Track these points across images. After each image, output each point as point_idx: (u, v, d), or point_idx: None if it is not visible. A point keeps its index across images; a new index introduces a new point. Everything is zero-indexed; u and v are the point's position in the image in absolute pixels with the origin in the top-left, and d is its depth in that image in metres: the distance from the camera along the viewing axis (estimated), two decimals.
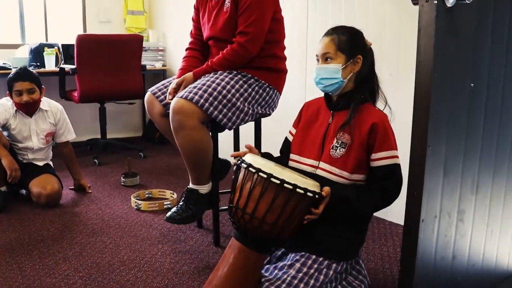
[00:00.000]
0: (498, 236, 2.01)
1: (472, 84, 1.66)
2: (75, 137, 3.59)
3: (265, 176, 1.74)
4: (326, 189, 1.81)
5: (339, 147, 1.92)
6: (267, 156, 2.08)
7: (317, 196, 1.77)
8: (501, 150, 1.89)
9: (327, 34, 1.96)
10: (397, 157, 1.89)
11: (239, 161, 1.86)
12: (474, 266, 1.93)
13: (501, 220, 1.99)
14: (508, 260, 2.13)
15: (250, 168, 1.77)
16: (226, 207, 2.88)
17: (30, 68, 4.42)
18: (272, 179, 1.73)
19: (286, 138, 2.17)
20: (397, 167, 1.88)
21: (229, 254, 1.86)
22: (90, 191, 3.54)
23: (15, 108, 3.27)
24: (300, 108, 2.15)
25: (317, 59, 1.99)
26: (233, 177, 1.91)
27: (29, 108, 3.27)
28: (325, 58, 1.94)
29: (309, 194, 1.75)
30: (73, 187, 3.58)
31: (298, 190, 1.73)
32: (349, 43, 1.92)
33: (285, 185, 1.72)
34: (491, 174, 1.87)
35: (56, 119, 3.43)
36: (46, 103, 3.40)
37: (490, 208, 1.91)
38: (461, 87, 1.64)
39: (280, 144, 2.19)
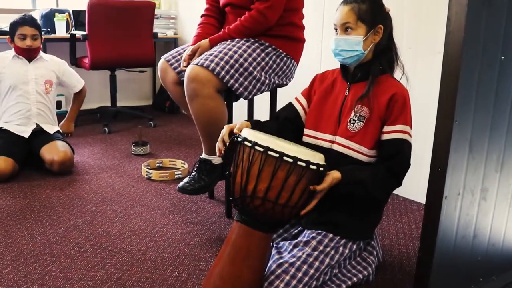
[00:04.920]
0: None
1: (502, 57, 1.59)
2: (84, 82, 3.65)
3: (276, 155, 1.62)
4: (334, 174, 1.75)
5: (357, 121, 1.85)
6: (259, 125, 1.92)
7: (325, 169, 1.71)
8: None
9: (346, 2, 1.85)
10: (409, 134, 1.82)
11: (236, 138, 1.72)
12: (494, 246, 1.88)
13: None
14: None
15: (257, 147, 1.63)
16: None
17: None
18: (285, 158, 1.62)
19: (290, 104, 2.07)
20: (406, 144, 1.81)
21: (233, 237, 1.75)
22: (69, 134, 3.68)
23: (13, 54, 3.28)
24: (312, 78, 2.07)
25: (335, 29, 1.89)
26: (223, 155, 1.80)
27: (29, 54, 3.28)
28: (344, 28, 1.85)
29: (321, 169, 1.68)
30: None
31: (311, 166, 1.65)
32: (370, 13, 1.83)
33: (299, 162, 1.63)
34: None
35: (61, 71, 3.46)
36: (48, 56, 3.46)
37: None
38: (492, 59, 1.57)
39: None
